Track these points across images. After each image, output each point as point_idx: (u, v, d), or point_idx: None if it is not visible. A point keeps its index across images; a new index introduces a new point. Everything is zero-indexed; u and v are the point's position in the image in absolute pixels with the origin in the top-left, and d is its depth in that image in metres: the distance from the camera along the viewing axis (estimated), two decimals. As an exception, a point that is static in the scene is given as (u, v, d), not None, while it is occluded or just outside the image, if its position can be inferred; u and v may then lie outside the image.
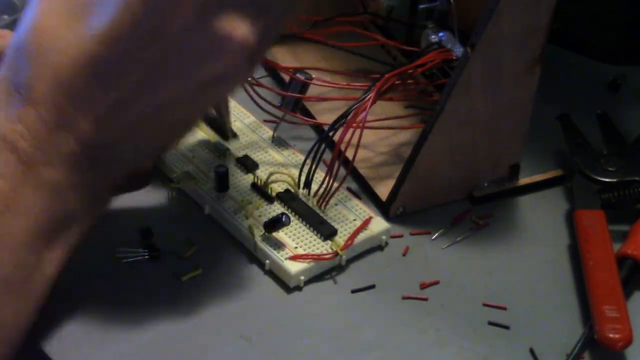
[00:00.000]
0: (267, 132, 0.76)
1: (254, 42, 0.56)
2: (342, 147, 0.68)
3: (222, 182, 0.70)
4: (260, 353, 0.63)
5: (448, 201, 0.74)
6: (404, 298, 0.67)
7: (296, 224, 0.69)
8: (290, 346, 0.64)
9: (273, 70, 0.82)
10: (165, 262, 0.67)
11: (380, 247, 0.70)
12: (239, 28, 0.56)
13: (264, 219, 0.68)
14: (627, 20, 0.88)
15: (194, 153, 0.74)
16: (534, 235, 0.73)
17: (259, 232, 0.68)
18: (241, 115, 0.77)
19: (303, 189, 0.71)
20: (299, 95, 0.74)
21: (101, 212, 0.61)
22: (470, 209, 0.74)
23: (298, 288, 0.67)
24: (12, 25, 0.85)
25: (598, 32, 0.89)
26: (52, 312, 0.63)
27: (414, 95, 0.78)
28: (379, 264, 0.69)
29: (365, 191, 0.74)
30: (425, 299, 0.67)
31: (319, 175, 0.70)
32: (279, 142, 0.76)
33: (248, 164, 0.73)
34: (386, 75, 0.71)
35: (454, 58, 0.73)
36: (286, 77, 0.76)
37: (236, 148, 0.74)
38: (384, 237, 0.70)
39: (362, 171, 0.75)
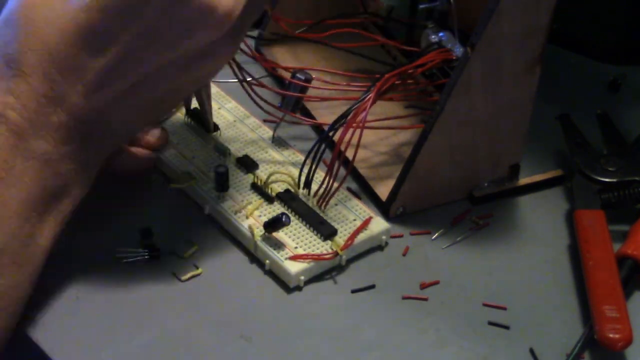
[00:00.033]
0: (267, 132, 0.76)
1: (237, 15, 0.58)
2: (342, 147, 0.68)
3: (222, 182, 0.70)
4: (260, 353, 0.63)
5: (448, 201, 0.74)
6: (404, 298, 0.67)
7: (296, 224, 0.69)
8: (290, 346, 0.64)
9: (273, 70, 0.82)
10: (165, 262, 0.67)
11: (380, 247, 0.70)
12: (223, 0, 0.57)
13: (264, 219, 0.68)
14: (627, 20, 0.88)
15: (194, 153, 0.74)
16: (534, 235, 0.73)
17: (259, 232, 0.68)
18: (241, 115, 0.77)
19: (303, 189, 0.71)
20: (298, 95, 0.74)
21: (92, 183, 0.63)
22: (470, 209, 0.74)
23: (298, 288, 0.67)
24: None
25: (598, 32, 0.89)
26: (52, 312, 0.63)
27: (414, 95, 0.78)
28: (379, 264, 0.69)
29: (365, 191, 0.74)
30: (425, 299, 0.67)
31: (319, 175, 0.70)
32: (279, 142, 0.76)
33: (248, 164, 0.73)
34: (386, 75, 0.71)
35: (454, 58, 0.73)
36: (286, 77, 0.76)
37: (236, 148, 0.74)
38: (384, 237, 0.70)
39: (362, 171, 0.75)
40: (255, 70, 0.81)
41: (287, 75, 0.77)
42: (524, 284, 0.69)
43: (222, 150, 0.74)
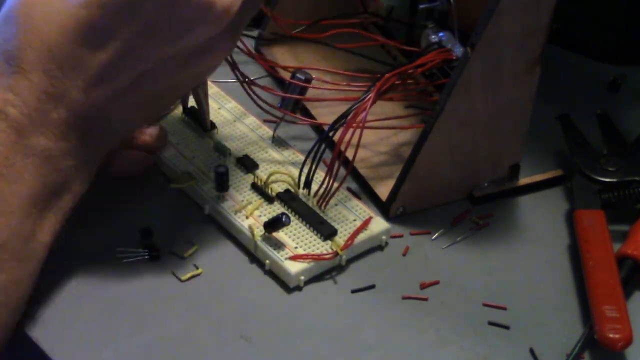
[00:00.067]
0: (267, 132, 0.76)
1: (235, 11, 0.59)
2: (342, 147, 0.68)
3: (222, 182, 0.70)
4: (260, 353, 0.63)
5: (448, 201, 0.74)
6: (404, 298, 0.67)
7: (296, 224, 0.69)
8: (290, 346, 0.64)
9: (273, 70, 0.82)
10: (165, 262, 0.67)
11: (380, 247, 0.70)
12: None
13: (264, 219, 0.68)
14: (627, 20, 0.88)
15: (194, 153, 0.74)
16: (534, 235, 0.73)
17: (259, 232, 0.68)
18: (241, 115, 0.77)
19: (303, 189, 0.71)
20: (298, 96, 0.74)
21: (92, 180, 0.63)
22: (470, 209, 0.74)
23: (298, 288, 0.67)
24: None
25: (598, 32, 0.89)
26: (52, 311, 0.63)
27: (414, 95, 0.78)
28: (379, 264, 0.69)
29: (365, 191, 0.74)
30: (425, 299, 0.67)
31: (319, 175, 0.70)
32: (279, 142, 0.76)
33: (248, 164, 0.73)
34: (386, 75, 0.71)
35: (454, 58, 0.73)
36: (286, 78, 0.76)
37: (236, 148, 0.74)
38: (384, 237, 0.70)
39: (362, 171, 0.75)
40: (255, 70, 0.81)
41: (287, 75, 0.77)
42: (524, 284, 0.69)
43: (222, 150, 0.74)
